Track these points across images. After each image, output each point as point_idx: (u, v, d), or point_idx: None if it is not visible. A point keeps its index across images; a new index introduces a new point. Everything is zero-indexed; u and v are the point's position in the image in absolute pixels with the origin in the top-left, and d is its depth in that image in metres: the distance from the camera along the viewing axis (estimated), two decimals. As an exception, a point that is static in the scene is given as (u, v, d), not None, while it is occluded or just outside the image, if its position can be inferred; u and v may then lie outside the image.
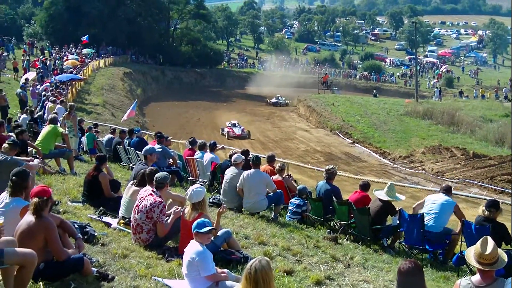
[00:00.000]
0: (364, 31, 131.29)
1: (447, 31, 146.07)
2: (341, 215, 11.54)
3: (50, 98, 24.11)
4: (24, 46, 58.49)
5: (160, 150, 14.35)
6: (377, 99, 59.52)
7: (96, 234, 7.88)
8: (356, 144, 40.00)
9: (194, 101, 60.90)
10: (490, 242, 5.22)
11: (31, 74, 37.52)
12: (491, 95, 67.74)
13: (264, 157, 14.39)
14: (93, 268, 6.33)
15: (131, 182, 9.39)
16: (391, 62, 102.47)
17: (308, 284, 7.40)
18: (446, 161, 33.21)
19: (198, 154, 15.80)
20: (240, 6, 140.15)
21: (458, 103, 54.92)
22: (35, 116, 21.30)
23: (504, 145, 37.04)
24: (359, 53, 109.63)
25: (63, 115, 17.73)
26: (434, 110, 47.88)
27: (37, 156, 12.85)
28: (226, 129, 42.13)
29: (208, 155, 15.37)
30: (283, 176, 13.20)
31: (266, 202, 11.44)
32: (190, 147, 16.75)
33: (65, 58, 48.04)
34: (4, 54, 48.00)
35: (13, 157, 9.80)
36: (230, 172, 11.95)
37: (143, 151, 12.18)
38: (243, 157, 12.67)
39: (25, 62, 44.12)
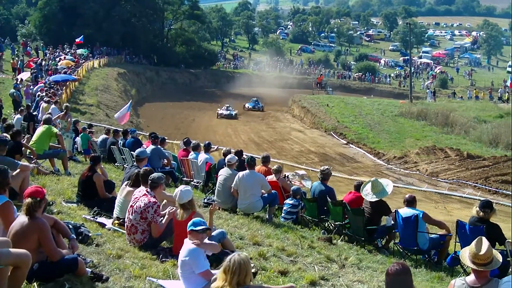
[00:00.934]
0: (358, 32, 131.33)
1: (441, 32, 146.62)
2: (336, 215, 11.56)
3: (44, 99, 24.05)
4: (12, 45, 58.38)
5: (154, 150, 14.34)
6: (371, 100, 59.60)
7: (90, 234, 7.86)
8: (350, 145, 40.03)
9: (188, 101, 60.88)
10: (485, 243, 5.24)
11: (25, 75, 37.41)
12: (485, 96, 67.99)
13: (259, 158, 14.38)
14: (87, 269, 6.32)
15: (125, 182, 9.38)
16: (386, 63, 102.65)
17: (302, 284, 7.40)
18: (440, 161, 33.27)
19: (192, 154, 15.79)
20: (235, 7, 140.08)
21: (452, 104, 55.03)
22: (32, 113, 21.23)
23: (498, 146, 37.14)
24: (353, 54, 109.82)
25: (57, 115, 17.70)
26: (428, 111, 47.94)
27: (31, 156, 12.83)
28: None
29: (202, 156, 15.35)
30: (280, 177, 13.20)
31: (261, 203, 11.44)
32: (185, 147, 16.73)
33: (61, 58, 47.82)
34: (-1, 55, 47.91)
35: (8, 157, 9.79)
36: (224, 173, 11.94)
37: (134, 154, 12.14)
38: (236, 158, 12.67)
39: (19, 62, 43.99)
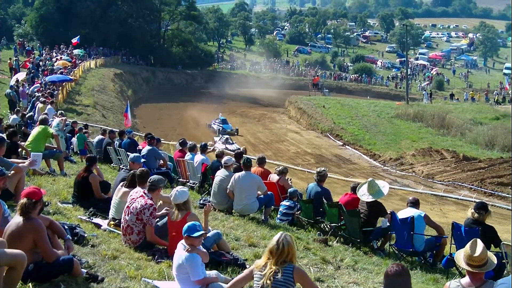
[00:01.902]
0: (355, 34, 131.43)
1: (437, 34, 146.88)
2: (332, 217, 11.56)
3: (40, 99, 24.01)
4: (15, 46, 58.26)
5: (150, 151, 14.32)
6: (368, 101, 59.69)
7: (86, 235, 7.85)
8: (346, 146, 40.13)
9: (185, 102, 60.82)
10: (480, 244, 5.24)
11: (21, 75, 37.30)
12: (481, 98, 68.10)
13: (255, 159, 14.37)
14: (82, 270, 6.31)
15: (121, 183, 9.35)
16: (382, 65, 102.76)
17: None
18: (436, 163, 33.37)
19: (188, 155, 15.77)
20: (231, 8, 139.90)
21: (448, 106, 55.17)
22: (26, 116, 21.17)
23: (494, 148, 37.24)
24: (350, 55, 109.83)
25: (53, 115, 17.68)
26: (425, 113, 48.07)
27: (27, 157, 12.79)
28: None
29: (198, 157, 15.32)
30: (284, 178, 13.20)
31: (257, 204, 11.42)
32: (181, 148, 16.71)
33: (57, 59, 47.71)
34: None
35: (4, 158, 9.77)
36: (220, 174, 11.93)
37: (128, 158, 12.09)
38: (233, 159, 12.65)
39: (15, 62, 43.87)
